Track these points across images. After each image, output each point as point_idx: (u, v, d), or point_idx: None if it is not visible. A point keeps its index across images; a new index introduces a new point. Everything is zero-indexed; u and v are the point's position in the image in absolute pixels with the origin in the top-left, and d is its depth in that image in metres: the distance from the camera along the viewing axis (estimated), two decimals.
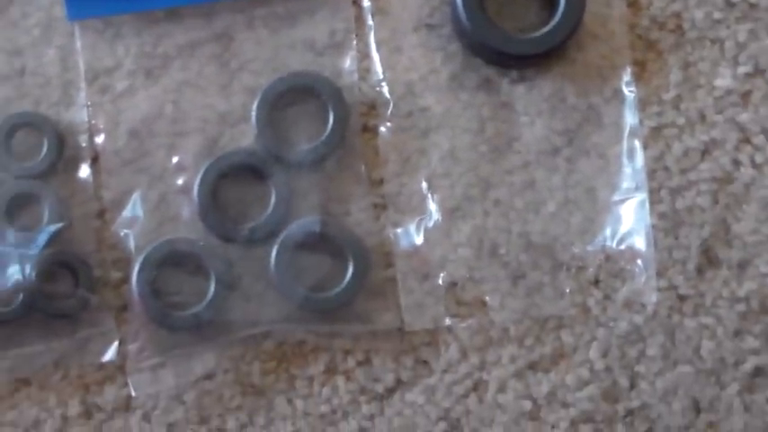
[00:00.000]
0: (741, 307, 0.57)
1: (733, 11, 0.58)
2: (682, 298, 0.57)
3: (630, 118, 0.57)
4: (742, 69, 0.58)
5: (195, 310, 0.55)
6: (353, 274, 0.55)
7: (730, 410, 0.57)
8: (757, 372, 0.57)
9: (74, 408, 0.56)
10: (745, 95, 0.58)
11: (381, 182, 0.57)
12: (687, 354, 0.57)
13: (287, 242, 0.55)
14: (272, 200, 0.55)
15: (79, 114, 0.56)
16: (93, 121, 0.56)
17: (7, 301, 0.54)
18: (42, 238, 0.55)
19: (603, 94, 0.57)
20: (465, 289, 0.56)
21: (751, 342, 0.57)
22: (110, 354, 0.56)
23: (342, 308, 0.55)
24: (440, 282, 0.56)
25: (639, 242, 0.56)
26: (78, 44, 0.57)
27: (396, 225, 0.56)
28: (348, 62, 0.57)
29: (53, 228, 0.55)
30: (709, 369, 0.57)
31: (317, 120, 0.56)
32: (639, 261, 0.56)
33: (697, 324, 0.57)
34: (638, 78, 0.58)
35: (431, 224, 0.56)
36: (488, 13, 0.56)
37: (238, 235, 0.55)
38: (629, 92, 0.57)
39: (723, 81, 0.58)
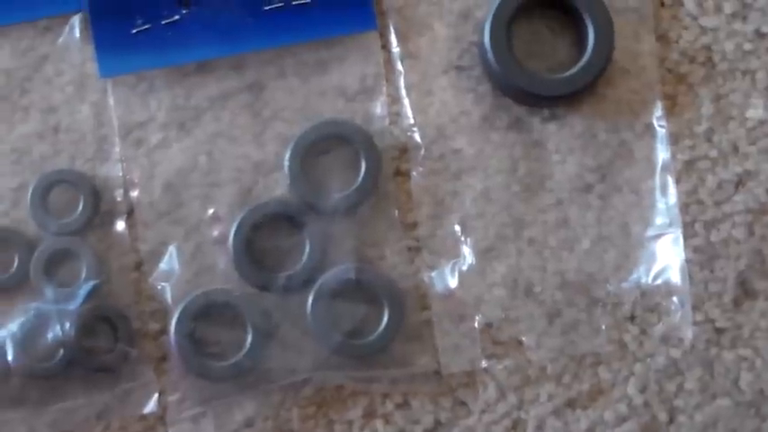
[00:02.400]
0: None
1: (763, 41, 0.58)
2: (719, 331, 0.57)
3: (662, 152, 0.57)
4: None
5: (234, 360, 0.55)
6: (389, 319, 0.55)
7: None
8: None
9: None
10: None
11: (415, 225, 0.57)
12: (726, 386, 0.57)
13: (323, 290, 0.55)
14: (307, 248, 0.56)
15: (114, 169, 0.57)
16: (127, 176, 0.57)
17: (48, 356, 0.55)
18: (81, 294, 0.56)
19: (635, 129, 0.57)
20: (501, 329, 0.57)
21: None
22: (151, 405, 0.56)
23: (379, 352, 0.56)
24: (475, 323, 0.57)
25: (675, 277, 0.57)
26: (111, 100, 0.57)
27: (430, 268, 0.57)
28: (379, 107, 0.57)
29: (91, 283, 0.56)
30: (748, 401, 0.57)
31: (349, 167, 0.57)
32: (675, 297, 0.57)
33: (735, 356, 0.57)
34: (669, 112, 0.58)
35: (465, 266, 0.57)
36: (517, 54, 0.56)
37: (274, 284, 0.56)
38: (660, 126, 0.57)
39: (755, 112, 0.58)
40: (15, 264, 0.56)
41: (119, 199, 0.57)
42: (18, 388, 0.56)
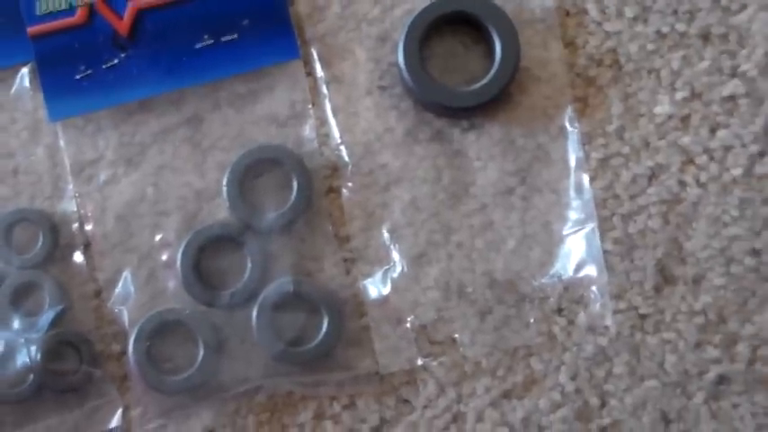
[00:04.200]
0: (699, 320, 0.60)
1: (665, 41, 0.61)
2: (642, 317, 0.60)
3: (576, 152, 0.60)
4: (679, 95, 0.61)
5: (187, 373, 0.60)
6: (329, 326, 0.59)
7: (698, 419, 0.60)
8: (720, 380, 0.60)
9: None
10: (685, 119, 0.61)
11: (349, 238, 0.61)
12: (652, 369, 0.60)
13: (265, 303, 0.59)
14: (249, 266, 0.60)
15: (70, 205, 0.62)
16: (82, 210, 0.61)
17: (19, 382, 0.60)
18: (45, 321, 0.60)
19: (550, 132, 0.61)
20: (436, 329, 0.60)
21: (712, 352, 0.60)
22: (116, 420, 0.60)
23: (322, 358, 0.60)
24: (409, 325, 0.60)
25: (593, 270, 0.60)
26: (62, 142, 0.62)
27: (365, 276, 0.61)
28: (308, 130, 0.61)
29: (54, 311, 0.60)
30: (674, 381, 0.60)
31: (283, 187, 0.61)
32: (594, 287, 0.60)
33: (659, 340, 0.60)
34: (581, 114, 0.61)
35: (396, 273, 0.60)
36: (433, 70, 0.60)
37: (220, 301, 0.60)
38: (572, 128, 0.61)
39: (662, 108, 0.61)
40: None
41: (76, 232, 0.61)
42: None
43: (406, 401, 0.61)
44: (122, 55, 0.61)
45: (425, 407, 0.60)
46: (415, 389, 0.60)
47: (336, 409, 0.61)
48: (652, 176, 0.61)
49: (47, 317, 0.60)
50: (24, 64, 0.62)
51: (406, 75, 0.59)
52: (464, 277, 0.60)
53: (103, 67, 0.61)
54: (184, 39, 0.60)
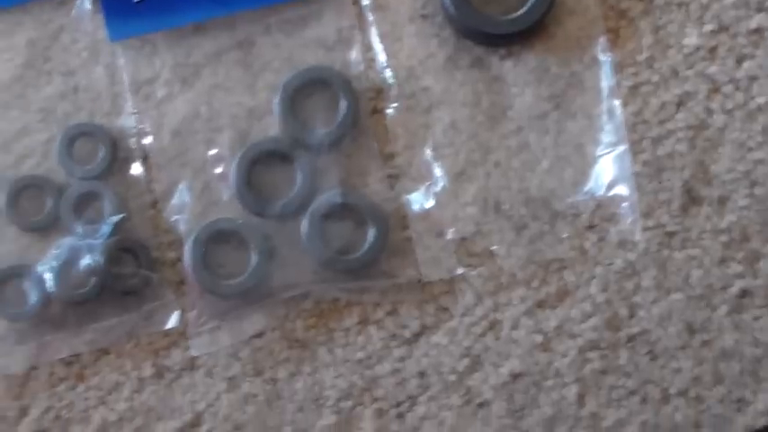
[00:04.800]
0: (724, 238, 0.63)
1: None
2: (669, 234, 0.64)
3: (608, 80, 0.64)
4: (707, 27, 0.64)
5: (241, 278, 0.63)
6: (375, 236, 0.63)
7: (721, 330, 0.63)
8: (743, 293, 0.63)
9: (147, 370, 0.65)
10: (712, 50, 0.64)
11: (393, 155, 0.64)
12: (678, 283, 0.64)
13: (315, 213, 0.63)
14: (299, 179, 0.63)
15: (128, 121, 0.65)
16: (140, 126, 0.65)
17: (82, 284, 0.63)
18: (106, 229, 0.63)
19: (583, 61, 0.64)
20: (474, 242, 0.64)
21: (735, 268, 0.63)
22: (172, 322, 0.64)
23: (367, 266, 0.63)
24: (450, 237, 0.64)
25: (624, 189, 0.63)
26: (121, 61, 0.65)
27: (408, 192, 0.64)
28: (355, 54, 0.65)
29: (114, 219, 0.63)
30: (699, 295, 0.64)
31: (331, 107, 0.64)
32: (625, 204, 0.63)
33: (685, 256, 0.64)
34: (613, 44, 0.64)
35: (438, 188, 0.64)
36: (472, 1, 0.63)
37: (272, 211, 0.63)
38: (605, 57, 0.64)
39: (691, 40, 0.64)
40: (48, 206, 0.64)
41: (133, 146, 0.65)
42: (59, 313, 0.64)
43: (445, 309, 0.64)
44: None
45: (463, 315, 0.64)
46: (453, 298, 0.64)
47: (380, 315, 0.64)
48: (680, 103, 0.64)
49: (107, 224, 0.63)
50: None
51: (447, 2, 0.63)
52: (501, 194, 0.64)
53: None
54: None
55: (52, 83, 0.65)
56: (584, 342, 0.64)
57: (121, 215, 0.64)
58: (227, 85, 0.64)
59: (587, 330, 0.64)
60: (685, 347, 0.64)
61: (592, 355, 0.64)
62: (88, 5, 0.65)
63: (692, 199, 0.64)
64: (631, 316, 0.64)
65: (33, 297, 0.63)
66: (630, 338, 0.64)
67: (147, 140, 0.65)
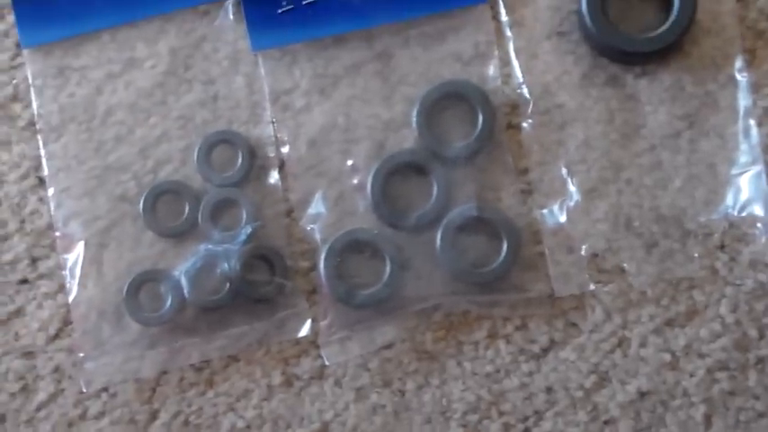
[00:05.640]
0: None
1: None
2: None
3: (744, 100, 0.64)
4: None
5: (374, 289, 0.64)
6: (507, 250, 0.63)
7: None
8: None
9: (276, 378, 0.65)
10: None
11: (526, 171, 0.65)
12: None
13: (449, 226, 0.63)
14: (434, 191, 0.64)
15: (266, 130, 0.66)
16: (278, 135, 0.66)
17: (217, 290, 0.64)
18: (242, 236, 0.64)
19: (718, 81, 0.65)
20: (605, 258, 0.64)
21: None
22: (304, 330, 0.65)
23: (499, 280, 0.64)
24: (582, 253, 0.64)
25: (758, 209, 0.63)
26: (262, 71, 0.66)
27: (541, 207, 0.65)
28: (491, 69, 0.65)
29: (251, 227, 0.64)
30: None
31: (468, 121, 0.65)
32: (759, 225, 0.63)
33: None
34: (749, 65, 0.65)
35: (572, 204, 0.64)
36: (611, 18, 0.64)
37: (407, 223, 0.64)
38: (741, 77, 0.64)
39: None
40: (186, 212, 0.65)
41: (271, 155, 0.66)
42: (192, 319, 0.65)
43: (575, 325, 0.64)
44: None
45: (592, 331, 0.64)
46: (583, 313, 0.64)
47: (509, 329, 0.65)
48: None
49: (244, 231, 0.64)
50: None
51: (587, 20, 0.63)
52: (632, 212, 0.64)
53: (304, 3, 0.65)
54: None
55: (192, 90, 0.67)
56: (713, 362, 0.64)
57: (258, 223, 0.64)
58: (365, 97, 0.65)
59: (716, 350, 0.64)
60: None
61: (720, 375, 0.64)
62: (231, 16, 0.66)
63: None
64: (761, 337, 0.64)
65: (168, 302, 0.64)
66: (760, 360, 0.64)
67: (285, 150, 0.66)
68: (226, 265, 0.63)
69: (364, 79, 0.65)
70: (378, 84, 0.65)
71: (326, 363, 0.64)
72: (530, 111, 0.65)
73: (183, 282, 0.64)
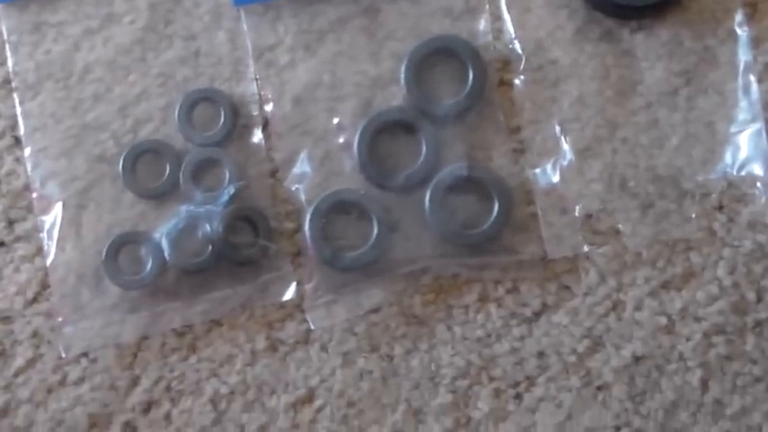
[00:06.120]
0: None
1: None
2: None
3: (744, 55, 0.62)
4: None
5: (361, 251, 0.62)
6: (499, 210, 0.61)
7: None
8: None
9: (260, 343, 0.64)
10: None
11: (519, 129, 0.63)
12: None
13: (439, 186, 0.62)
14: (423, 150, 0.62)
15: (249, 87, 0.64)
16: (261, 92, 0.64)
17: (199, 252, 0.62)
18: (225, 197, 0.62)
19: (718, 35, 0.63)
20: (599, 219, 0.62)
21: None
22: (289, 294, 0.63)
23: (490, 242, 0.62)
24: (576, 214, 0.62)
25: (758, 168, 0.62)
26: (244, 26, 0.64)
27: (534, 166, 0.63)
28: (482, 24, 0.63)
29: (234, 187, 0.62)
30: None
31: (458, 77, 0.63)
32: (759, 184, 0.61)
33: None
34: (750, 18, 0.63)
35: (565, 163, 0.62)
36: None
37: (395, 183, 0.62)
38: (742, 31, 0.62)
39: None
40: (167, 172, 0.63)
41: (254, 113, 0.64)
42: (173, 282, 0.63)
43: (567, 288, 0.63)
44: None
45: (586, 294, 0.62)
46: (576, 276, 0.62)
47: (500, 292, 0.63)
48: None
49: (227, 192, 0.62)
50: None
51: None
52: (627, 171, 0.62)
53: None
54: None
55: (173, 47, 0.65)
56: (710, 326, 0.62)
57: (241, 183, 0.62)
58: (351, 53, 0.63)
59: (713, 314, 0.62)
60: None
61: (717, 339, 0.62)
62: None
63: None
64: (759, 300, 0.62)
65: (149, 265, 0.62)
66: (758, 324, 0.62)
67: (269, 108, 0.64)
68: (208, 226, 0.62)
69: (350, 35, 0.64)
70: (364, 39, 0.64)
71: (312, 327, 0.63)
72: (522, 67, 0.63)
73: (164, 244, 0.62)
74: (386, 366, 0.62)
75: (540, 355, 0.63)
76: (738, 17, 0.62)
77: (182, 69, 0.64)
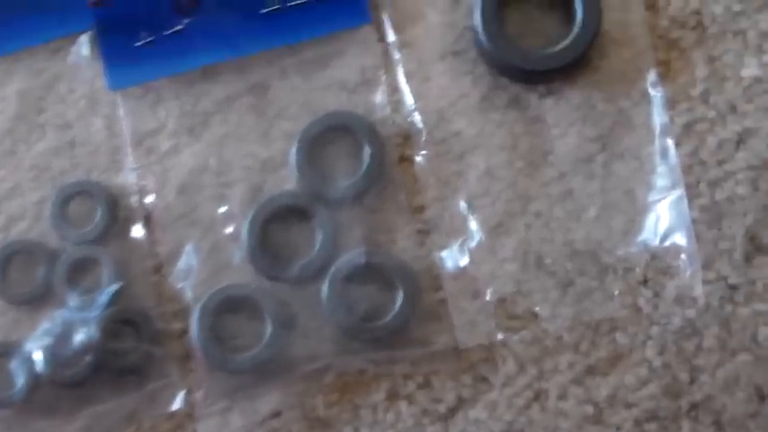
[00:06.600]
0: None
1: (752, 1, 0.59)
2: (732, 287, 0.57)
3: (660, 117, 0.58)
4: (767, 57, 0.58)
5: (255, 351, 0.57)
6: (404, 299, 0.57)
7: None
8: None
9: None
10: None
11: (422, 208, 0.59)
12: (744, 342, 0.57)
13: (337, 276, 0.57)
14: (319, 237, 0.58)
15: (128, 177, 0.60)
16: (142, 182, 0.60)
17: (76, 362, 0.57)
18: (103, 299, 0.58)
19: (631, 97, 0.59)
20: (515, 302, 0.58)
21: None
22: (178, 402, 0.58)
23: (396, 334, 0.57)
24: (488, 298, 0.58)
25: (681, 238, 0.57)
26: (121, 112, 0.60)
27: (441, 248, 0.58)
28: (379, 97, 0.59)
29: (113, 288, 0.58)
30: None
31: (354, 156, 0.59)
32: (683, 256, 0.57)
33: (751, 311, 0.57)
34: (664, 78, 0.59)
35: (474, 243, 0.58)
36: (509, 34, 0.58)
37: (289, 275, 0.58)
38: (656, 92, 0.58)
39: (750, 71, 0.58)
40: (39, 276, 0.59)
41: (135, 205, 0.60)
42: (49, 397, 0.58)
43: (485, 379, 0.58)
44: (185, 21, 0.59)
45: (505, 384, 0.58)
46: (493, 366, 0.58)
47: (411, 388, 0.58)
48: (740, 141, 0.58)
49: (105, 294, 0.58)
50: (83, 32, 0.61)
51: (482, 37, 0.57)
52: (543, 248, 0.58)
53: (165, 33, 0.59)
54: (250, 3, 0.58)
55: (46, 137, 0.61)
56: (641, 412, 0.57)
57: (121, 283, 0.58)
58: (239, 135, 0.60)
59: (644, 399, 0.57)
60: (755, 415, 0.57)
61: (649, 426, 0.57)
62: (86, 52, 0.61)
63: (755, 247, 0.57)
64: (693, 381, 0.57)
65: (20, 380, 0.58)
66: (693, 407, 0.57)
67: (150, 199, 0.60)
68: (85, 333, 0.56)
69: (238, 115, 0.60)
70: (253, 119, 0.60)
71: None
72: (423, 141, 0.59)
73: (37, 355, 0.57)
74: None
75: None
76: (651, 77, 0.58)
77: (56, 161, 0.61)
